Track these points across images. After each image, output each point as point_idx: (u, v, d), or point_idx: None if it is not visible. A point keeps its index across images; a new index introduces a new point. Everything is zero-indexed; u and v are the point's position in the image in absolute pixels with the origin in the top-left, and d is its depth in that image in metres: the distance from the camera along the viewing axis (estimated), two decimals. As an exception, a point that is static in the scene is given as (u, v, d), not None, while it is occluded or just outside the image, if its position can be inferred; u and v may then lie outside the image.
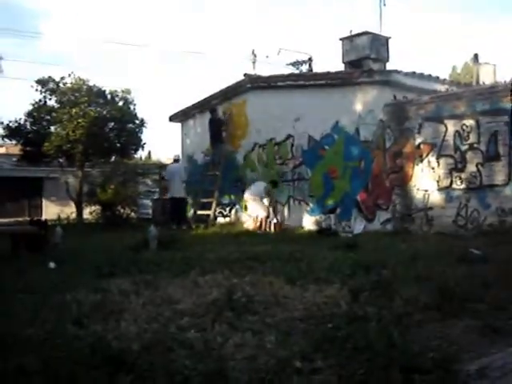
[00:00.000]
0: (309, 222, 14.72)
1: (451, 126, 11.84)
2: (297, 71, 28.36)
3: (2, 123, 24.05)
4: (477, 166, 11.42)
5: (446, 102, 12.13)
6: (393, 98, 13.18)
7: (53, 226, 11.78)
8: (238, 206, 17.09)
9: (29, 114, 24.00)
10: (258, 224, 15.09)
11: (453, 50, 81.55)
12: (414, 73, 13.51)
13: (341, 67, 16.35)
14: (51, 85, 24.02)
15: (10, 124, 23.95)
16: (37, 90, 24.00)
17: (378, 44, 15.89)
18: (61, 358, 3.42)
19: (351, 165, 13.78)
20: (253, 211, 15.58)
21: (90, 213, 19.90)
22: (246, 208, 16.42)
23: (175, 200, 16.71)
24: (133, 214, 19.58)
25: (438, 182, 12.08)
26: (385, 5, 20.59)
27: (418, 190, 12.44)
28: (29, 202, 33.33)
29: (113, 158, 24.75)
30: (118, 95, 24.66)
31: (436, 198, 12.13)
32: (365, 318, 4.41)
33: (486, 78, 18.58)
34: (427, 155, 12.26)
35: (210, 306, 4.94)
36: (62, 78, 24.09)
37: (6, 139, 25.46)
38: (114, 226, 16.60)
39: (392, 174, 12.95)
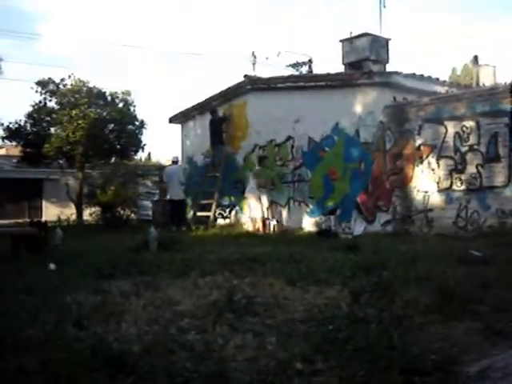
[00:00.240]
0: (309, 224, 14.72)
1: (451, 128, 11.85)
2: (297, 73, 28.39)
3: (3, 124, 24.12)
4: (477, 167, 11.42)
5: (446, 103, 12.13)
6: (393, 100, 13.19)
7: (53, 228, 11.79)
8: (237, 208, 17.09)
9: (29, 116, 24.05)
10: (257, 225, 15.11)
11: (453, 50, 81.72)
12: (414, 74, 13.52)
13: (341, 69, 16.37)
14: (51, 86, 24.07)
15: (11, 125, 24.00)
16: (37, 91, 24.06)
17: (378, 45, 15.90)
18: (61, 359, 3.42)
19: (351, 166, 13.78)
20: (251, 212, 15.62)
21: (90, 214, 19.93)
22: (244, 209, 16.46)
23: (174, 202, 16.73)
24: (133, 215, 19.59)
25: (438, 183, 12.08)
26: (385, 6, 20.61)
27: (418, 191, 12.45)
28: (29, 203, 33.35)
29: (113, 160, 24.78)
30: (118, 97, 24.70)
31: (436, 199, 12.13)
32: (365, 319, 4.40)
33: (486, 80, 18.58)
34: (427, 157, 12.27)
35: (211, 308, 4.94)
36: (62, 80, 24.15)
37: (6, 140, 25.53)
38: (114, 228, 16.60)
39: (392, 176, 12.95)
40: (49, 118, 23.70)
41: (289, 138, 15.46)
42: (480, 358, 3.66)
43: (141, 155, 35.61)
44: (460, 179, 11.70)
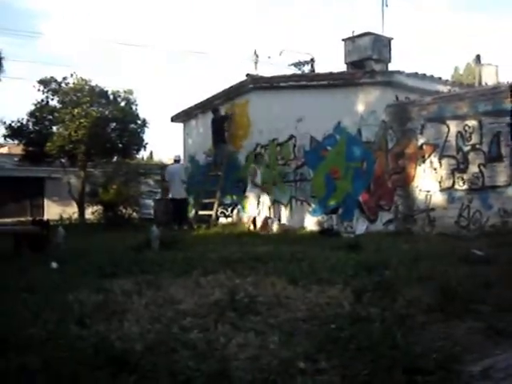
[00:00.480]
0: (311, 223, 14.72)
1: (453, 127, 11.84)
2: (299, 72, 28.40)
3: (5, 123, 24.12)
4: (479, 166, 11.41)
5: (449, 102, 12.12)
6: (395, 99, 13.19)
7: (55, 226, 11.79)
8: (239, 207, 17.09)
9: (31, 114, 24.06)
10: (252, 224, 15.15)
11: (455, 49, 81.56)
12: (417, 73, 13.51)
13: (343, 68, 16.37)
14: (53, 85, 24.09)
15: (13, 124, 24.01)
16: (39, 90, 24.08)
17: (380, 45, 15.89)
18: (63, 358, 3.42)
19: (353, 165, 13.78)
20: (250, 211, 15.68)
21: (92, 213, 19.95)
22: (246, 208, 16.50)
23: (176, 200, 16.75)
24: (135, 214, 19.60)
25: (440, 182, 12.07)
26: (387, 5, 20.59)
27: (420, 190, 12.44)
28: (31, 202, 33.37)
29: (115, 159, 24.79)
30: (120, 95, 24.71)
31: (438, 198, 12.12)
32: (368, 318, 4.40)
33: (489, 79, 18.57)
34: (429, 156, 12.26)
35: (213, 307, 4.94)
36: (64, 79, 24.17)
37: (8, 139, 25.52)
38: (116, 226, 16.62)
39: (394, 175, 12.94)
40: (51, 117, 23.71)
41: (291, 137, 15.46)
42: (482, 358, 3.66)
43: (143, 154, 35.64)
44: (462, 178, 11.69)
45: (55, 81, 24.08)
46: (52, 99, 24.21)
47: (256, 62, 29.72)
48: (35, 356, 3.50)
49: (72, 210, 23.90)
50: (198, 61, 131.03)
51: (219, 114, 17.29)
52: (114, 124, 24.15)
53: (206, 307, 4.97)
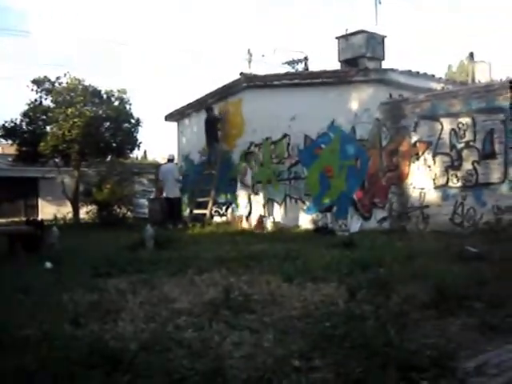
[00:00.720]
0: (305, 221, 14.72)
1: (447, 124, 11.86)
2: (293, 70, 28.39)
3: (-2, 123, 24.00)
4: (473, 164, 11.43)
5: (442, 100, 12.14)
6: (389, 97, 13.20)
7: (49, 226, 11.76)
8: (234, 205, 17.09)
9: (24, 114, 23.95)
10: (240, 224, 15.17)
11: (450, 48, 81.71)
12: (410, 71, 13.53)
13: (337, 66, 16.37)
14: (47, 85, 23.98)
15: (6, 124, 23.90)
16: (32, 89, 23.97)
17: (374, 42, 15.90)
18: (58, 357, 3.42)
19: (347, 163, 13.78)
20: (240, 210, 15.70)
21: (87, 212, 19.93)
22: (239, 207, 16.51)
23: (170, 200, 16.73)
24: (129, 213, 19.59)
25: (434, 180, 12.09)
26: (380, 3, 20.62)
27: (414, 188, 12.46)
28: (25, 202, 33.27)
29: (109, 158, 24.73)
30: (113, 95, 24.63)
31: (432, 196, 12.14)
32: (362, 316, 4.42)
33: (482, 77, 18.63)
34: (423, 153, 12.28)
35: (207, 305, 4.95)
36: (58, 78, 24.06)
37: (1, 139, 25.41)
38: (111, 226, 16.61)
39: (388, 173, 12.96)
40: (44, 117, 23.60)
41: (285, 135, 15.45)
42: (476, 354, 3.67)
43: (137, 153, 35.58)
44: (456, 176, 11.71)
45: (49, 80, 23.98)
46: (45, 99, 24.11)
47: (250, 61, 29.71)
48: (31, 356, 3.50)
49: (66, 210, 23.83)
50: (192, 60, 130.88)
51: (213, 114, 17.26)
52: (108, 123, 24.06)
53: (201, 306, 4.97)
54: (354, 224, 13.45)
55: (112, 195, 18.15)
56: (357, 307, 4.72)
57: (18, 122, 23.97)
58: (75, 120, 22.09)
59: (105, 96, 24.44)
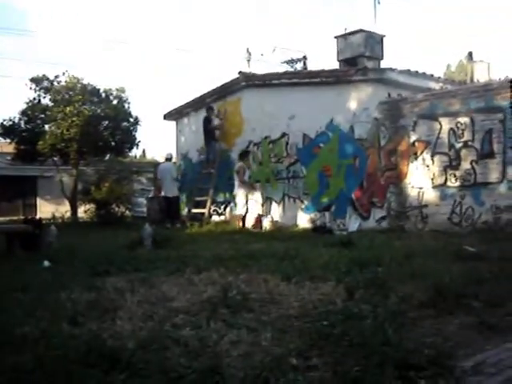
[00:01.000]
0: (303, 220, 14.73)
1: (446, 124, 11.86)
2: (291, 69, 28.37)
3: (-4, 122, 23.99)
4: (471, 163, 11.44)
5: (441, 99, 12.14)
6: (387, 96, 13.20)
7: (47, 225, 11.76)
8: (232, 204, 17.08)
9: (23, 113, 23.94)
10: (241, 222, 15.14)
11: (449, 47, 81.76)
12: (409, 71, 13.53)
13: (335, 65, 16.37)
14: (45, 83, 23.97)
15: (4, 122, 23.89)
16: (31, 88, 23.96)
17: (373, 42, 15.89)
18: (56, 356, 3.42)
19: (346, 163, 13.79)
20: (238, 209, 15.65)
21: (85, 211, 19.91)
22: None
23: (168, 199, 16.73)
24: (127, 212, 19.59)
25: (432, 179, 12.09)
26: (379, 3, 20.61)
27: (412, 187, 12.46)
28: (23, 200, 33.30)
29: (107, 157, 24.73)
30: (112, 94, 24.61)
31: (431, 195, 12.15)
32: (360, 315, 4.41)
33: (481, 76, 18.63)
34: (422, 153, 12.28)
35: (205, 304, 4.94)
36: (56, 77, 24.04)
37: (0, 138, 25.39)
38: (109, 225, 16.61)
39: (387, 172, 12.96)
40: (43, 115, 23.59)
41: (283, 134, 15.46)
42: (474, 353, 3.67)
43: (135, 152, 35.55)
44: (454, 175, 11.71)
45: (47, 79, 23.97)
46: (44, 97, 24.10)
47: (248, 60, 29.65)
48: (28, 354, 3.50)
49: (65, 209, 23.83)
50: (191, 59, 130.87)
51: (212, 113, 17.22)
52: (107, 122, 24.05)
53: (199, 304, 4.97)
54: (353, 223, 13.46)
55: (110, 194, 18.15)
56: (355, 306, 4.72)
57: (16, 120, 23.96)
58: (74, 119, 22.07)
59: (103, 95, 24.43)
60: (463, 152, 11.59)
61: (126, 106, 24.78)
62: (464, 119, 11.54)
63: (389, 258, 7.26)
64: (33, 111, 23.74)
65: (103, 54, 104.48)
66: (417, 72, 13.69)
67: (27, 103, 23.91)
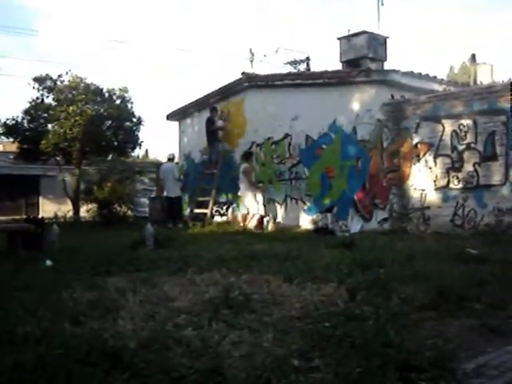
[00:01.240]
0: (306, 221, 14.72)
1: (448, 126, 11.85)
2: (294, 70, 28.38)
3: (0, 121, 24.04)
4: (474, 165, 11.42)
5: (444, 101, 12.13)
6: (390, 98, 13.19)
7: (49, 224, 11.77)
8: (234, 205, 17.08)
9: (26, 112, 23.98)
10: (241, 223, 15.10)
11: (453, 49, 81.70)
12: (412, 72, 13.51)
13: (338, 66, 16.35)
14: (48, 82, 24.02)
15: (8, 121, 23.93)
16: (34, 87, 24.00)
17: (376, 43, 15.88)
18: (57, 355, 3.42)
19: (348, 164, 13.78)
20: (243, 208, 15.61)
21: (87, 211, 19.91)
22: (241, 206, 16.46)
23: (170, 199, 16.74)
24: (130, 212, 19.59)
25: (435, 181, 12.08)
26: (383, 4, 20.56)
27: (415, 189, 12.45)
28: (26, 199, 33.34)
29: (110, 156, 24.76)
30: (115, 93, 24.65)
31: (433, 197, 12.13)
32: (362, 316, 4.41)
33: (484, 78, 18.60)
34: (424, 155, 12.27)
35: (207, 304, 4.94)
36: (60, 76, 24.09)
37: (3, 137, 25.48)
38: (111, 225, 16.61)
39: (389, 174, 12.95)
40: (46, 115, 23.63)
41: (286, 135, 15.45)
42: (476, 355, 3.67)
43: (138, 152, 35.57)
44: (457, 177, 11.70)
45: (50, 78, 24.01)
46: (47, 97, 24.14)
47: (252, 61, 29.70)
48: (30, 353, 3.50)
49: (67, 208, 23.85)
50: (194, 59, 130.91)
51: (216, 114, 17.20)
52: (109, 122, 24.08)
53: (201, 305, 4.97)
54: (355, 225, 13.44)
55: (113, 194, 18.15)
56: (356, 308, 4.72)
57: (19, 119, 24.02)
58: (77, 118, 22.11)
59: (106, 94, 24.47)
60: (466, 154, 11.57)
61: (129, 105, 24.84)
62: (467, 121, 11.53)
63: (391, 259, 7.26)
64: (36, 110, 23.79)
65: (106, 54, 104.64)
66: (420, 74, 13.67)
67: (30, 102, 23.95)
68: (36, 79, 23.94)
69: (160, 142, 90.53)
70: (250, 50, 29.64)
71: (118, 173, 19.46)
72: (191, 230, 14.65)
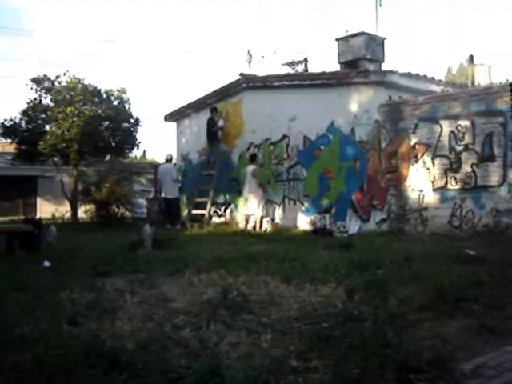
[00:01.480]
0: (304, 222, 14.72)
1: (446, 127, 11.86)
2: (292, 71, 28.37)
3: (-3, 122, 23.98)
4: (472, 166, 11.43)
5: (442, 102, 12.14)
6: (388, 99, 13.20)
7: (47, 225, 11.75)
8: (232, 206, 17.09)
9: (24, 113, 23.93)
10: (245, 223, 15.10)
11: (449, 50, 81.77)
12: (410, 73, 13.54)
13: (336, 67, 16.37)
14: (46, 83, 23.96)
15: (5, 122, 23.88)
16: (32, 88, 23.95)
17: (374, 44, 15.90)
18: (55, 356, 3.41)
19: (346, 165, 13.79)
20: (244, 209, 15.60)
21: (85, 212, 19.89)
22: (240, 207, 16.44)
23: (168, 200, 16.74)
24: (127, 213, 19.57)
25: (432, 182, 12.09)
26: (381, 5, 20.54)
27: (412, 190, 12.46)
28: (23, 200, 33.27)
29: (108, 157, 24.73)
30: (113, 94, 24.60)
31: (431, 198, 12.14)
32: (360, 317, 4.41)
33: (481, 79, 18.61)
34: (422, 155, 12.28)
35: (205, 305, 4.94)
36: (57, 77, 24.03)
37: (0, 137, 25.37)
38: (109, 225, 16.59)
39: (387, 174, 12.96)
40: (44, 116, 23.58)
41: (284, 136, 15.46)
42: (474, 356, 3.67)
43: (136, 153, 35.54)
44: (455, 178, 11.71)
45: (48, 79, 23.96)
46: (45, 98, 24.08)
47: (249, 62, 29.65)
48: (28, 354, 3.49)
49: (65, 209, 23.82)
50: (192, 60, 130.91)
51: (216, 115, 17.19)
52: (107, 123, 24.01)
53: (199, 306, 4.97)
54: (353, 226, 13.46)
55: (111, 195, 18.13)
56: (354, 308, 4.72)
57: (17, 120, 23.95)
58: (74, 119, 22.06)
59: (104, 95, 24.41)
60: (464, 155, 11.59)
61: (127, 106, 24.78)
62: (465, 122, 11.54)
63: (389, 260, 7.27)
64: (34, 111, 23.73)
65: (103, 55, 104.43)
66: (418, 75, 13.69)
67: (28, 103, 23.90)
68: (34, 80, 23.88)
69: (158, 143, 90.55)
70: (248, 50, 29.54)
71: (115, 174, 19.43)
72: (189, 230, 14.65)
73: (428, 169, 12.17)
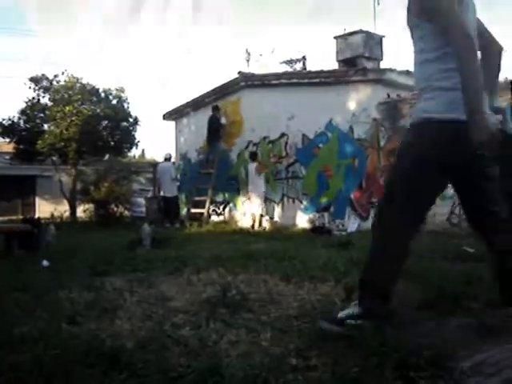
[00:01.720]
0: (302, 221, 14.74)
1: (445, 125, 11.84)
2: (291, 69, 28.37)
3: (-4, 121, 24.00)
4: (470, 164, 11.41)
5: (440, 100, 12.12)
6: (386, 97, 13.21)
7: (46, 225, 11.75)
8: (231, 205, 17.10)
9: (22, 112, 23.96)
10: (252, 222, 15.12)
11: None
12: (408, 71, 13.53)
13: (335, 66, 16.38)
14: (44, 83, 23.98)
15: (4, 122, 23.90)
16: (30, 87, 23.97)
17: (372, 42, 15.91)
18: (55, 356, 3.41)
19: (345, 163, 13.80)
20: (248, 208, 15.61)
21: (84, 211, 19.92)
22: (238, 206, 16.45)
23: (167, 198, 16.76)
24: (126, 212, 19.60)
25: (431, 180, 12.07)
26: (378, 4, 20.57)
27: (411, 188, 12.44)
28: (22, 200, 33.30)
29: (106, 157, 24.76)
30: (111, 93, 24.63)
31: (429, 196, 12.12)
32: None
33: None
34: (421, 153, 12.25)
35: (204, 304, 4.94)
36: (56, 76, 24.06)
37: (-1, 137, 25.40)
38: (108, 225, 16.61)
39: (386, 172, 12.95)
40: (42, 115, 23.62)
41: (282, 134, 15.48)
42: (473, 354, 3.67)
43: (134, 152, 35.55)
44: (453, 176, 11.69)
45: (46, 78, 23.98)
46: (43, 97, 24.12)
47: (248, 60, 29.65)
48: (27, 354, 3.49)
49: (63, 208, 23.85)
50: (191, 59, 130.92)
51: (218, 113, 17.18)
52: (106, 122, 24.07)
53: (198, 304, 4.96)
54: (352, 224, 13.47)
55: (109, 194, 18.16)
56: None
57: (15, 119, 24.00)
58: (73, 118, 22.10)
59: (103, 94, 24.45)
60: (462, 153, 11.56)
61: (126, 105, 24.82)
62: (463, 120, 11.52)
63: (387, 258, 7.25)
64: (32, 110, 23.76)
65: (102, 54, 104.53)
66: (416, 73, 13.68)
67: (26, 102, 23.92)
68: (32, 79, 23.91)
69: (156, 142, 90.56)
70: (246, 49, 29.55)
71: (114, 173, 19.46)
72: (188, 229, 14.67)
73: (427, 167, 12.15)
